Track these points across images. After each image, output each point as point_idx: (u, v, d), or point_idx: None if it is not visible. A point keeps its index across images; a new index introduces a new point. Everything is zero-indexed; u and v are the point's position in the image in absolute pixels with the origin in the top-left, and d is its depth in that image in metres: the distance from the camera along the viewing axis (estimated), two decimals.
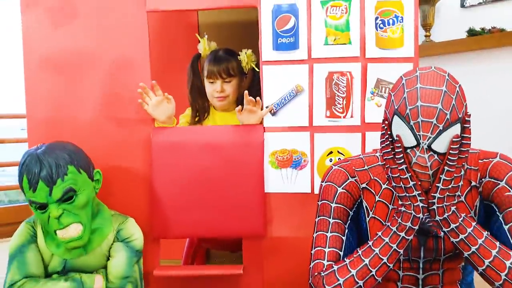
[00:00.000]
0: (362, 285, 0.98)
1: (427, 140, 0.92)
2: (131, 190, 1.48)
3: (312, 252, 1.06)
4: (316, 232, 1.07)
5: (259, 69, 1.54)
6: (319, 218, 1.08)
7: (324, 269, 1.02)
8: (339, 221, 1.06)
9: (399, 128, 0.95)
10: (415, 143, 0.93)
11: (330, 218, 1.06)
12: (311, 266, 1.05)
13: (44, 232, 1.33)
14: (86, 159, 1.32)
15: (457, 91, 0.94)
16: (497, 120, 2.24)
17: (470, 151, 1.07)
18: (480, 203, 1.05)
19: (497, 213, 1.02)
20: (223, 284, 1.49)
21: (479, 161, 1.06)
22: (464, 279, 1.11)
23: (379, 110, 1.42)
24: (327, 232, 1.05)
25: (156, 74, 1.52)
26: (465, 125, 0.95)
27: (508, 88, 2.22)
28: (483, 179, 1.05)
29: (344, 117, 1.44)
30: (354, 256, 1.01)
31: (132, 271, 1.33)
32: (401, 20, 1.42)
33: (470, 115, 0.97)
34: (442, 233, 1.03)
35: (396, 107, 0.96)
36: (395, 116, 0.96)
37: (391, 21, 1.42)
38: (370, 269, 0.98)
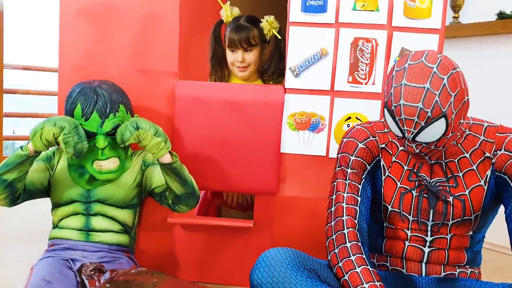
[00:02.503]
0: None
1: (411, 134, 0.99)
2: None
3: (333, 197, 1.14)
4: (336, 180, 1.15)
5: (281, 36, 1.55)
6: (338, 168, 1.16)
7: (343, 215, 1.10)
8: (356, 171, 1.13)
9: (388, 119, 1.03)
10: (401, 135, 1.01)
11: (348, 168, 1.14)
12: (332, 209, 1.13)
13: (70, 162, 1.39)
14: (131, 104, 1.41)
15: (444, 83, 0.97)
16: None
17: (489, 125, 1.12)
18: (491, 174, 1.08)
19: (511, 185, 1.06)
20: (233, 238, 1.54)
21: (497, 134, 1.10)
22: (471, 247, 1.14)
23: None
24: (346, 180, 1.13)
25: (184, 33, 1.55)
26: (456, 112, 0.99)
27: None
28: (498, 151, 1.08)
29: (366, 83, 1.45)
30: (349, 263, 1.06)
31: None
32: None
33: (466, 101, 1.01)
34: (451, 198, 1.08)
35: (386, 101, 1.02)
36: (385, 109, 1.03)
37: None
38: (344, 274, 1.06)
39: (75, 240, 1.35)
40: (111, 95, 1.32)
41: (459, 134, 1.07)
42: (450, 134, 1.00)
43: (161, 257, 1.55)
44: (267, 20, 1.59)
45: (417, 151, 1.01)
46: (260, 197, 1.53)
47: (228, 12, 1.63)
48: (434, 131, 0.98)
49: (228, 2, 1.65)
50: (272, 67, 1.62)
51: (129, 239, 1.42)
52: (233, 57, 1.61)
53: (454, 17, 2.34)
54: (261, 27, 1.60)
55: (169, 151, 1.31)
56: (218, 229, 1.54)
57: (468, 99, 1.01)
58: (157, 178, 1.39)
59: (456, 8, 2.31)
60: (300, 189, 1.51)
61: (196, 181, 1.51)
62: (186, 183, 1.33)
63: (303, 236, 1.48)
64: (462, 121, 1.02)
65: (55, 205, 1.40)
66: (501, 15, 2.10)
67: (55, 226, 1.40)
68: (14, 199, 1.31)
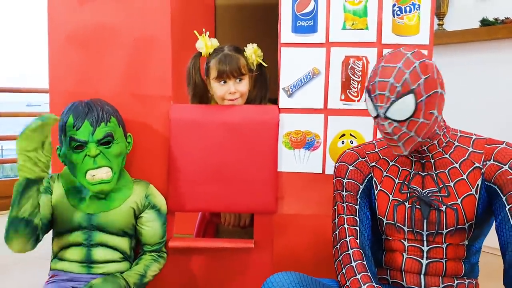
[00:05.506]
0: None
1: (383, 110, 1.05)
2: (149, 165, 1.52)
3: (336, 220, 1.20)
4: (336, 204, 1.22)
5: (266, 64, 1.54)
6: (335, 192, 1.22)
7: (346, 237, 1.16)
8: (351, 193, 1.20)
9: (367, 101, 1.10)
10: (376, 113, 1.08)
11: (343, 191, 1.20)
12: (336, 232, 1.18)
13: (66, 187, 1.38)
14: (124, 122, 1.43)
15: (415, 66, 1.05)
16: (506, 109, 2.27)
17: (478, 137, 1.16)
18: (482, 183, 1.12)
19: (501, 195, 1.09)
20: (234, 258, 1.55)
21: (485, 145, 1.14)
22: (469, 259, 1.17)
23: None
24: (343, 203, 1.19)
25: (176, 53, 1.54)
26: (426, 96, 1.05)
27: None
28: (487, 162, 1.12)
29: (358, 101, 1.47)
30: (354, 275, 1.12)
31: (165, 233, 1.47)
32: (417, 8, 1.45)
33: (438, 91, 1.06)
34: (443, 207, 1.12)
35: (366, 84, 1.11)
36: (365, 91, 1.11)
37: (408, 9, 1.44)
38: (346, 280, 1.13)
39: (77, 273, 1.34)
40: (103, 107, 1.35)
41: (438, 131, 1.11)
42: (422, 120, 1.05)
43: (160, 282, 1.53)
44: (252, 48, 1.54)
45: (389, 130, 1.06)
46: (259, 216, 1.54)
47: (208, 43, 1.55)
48: (403, 108, 1.04)
49: (207, 33, 1.59)
50: (259, 96, 1.59)
51: (130, 266, 1.42)
52: (224, 89, 1.53)
53: (439, 24, 2.39)
54: (246, 55, 1.55)
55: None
56: (219, 251, 1.55)
57: (442, 93, 1.07)
58: (149, 237, 1.43)
59: (440, 15, 2.36)
60: (299, 207, 1.52)
61: (194, 203, 1.51)
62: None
63: (304, 253, 1.50)
64: (435, 113, 1.06)
65: (57, 233, 1.39)
66: (485, 22, 2.14)
67: (55, 256, 1.39)
68: (37, 238, 1.29)
